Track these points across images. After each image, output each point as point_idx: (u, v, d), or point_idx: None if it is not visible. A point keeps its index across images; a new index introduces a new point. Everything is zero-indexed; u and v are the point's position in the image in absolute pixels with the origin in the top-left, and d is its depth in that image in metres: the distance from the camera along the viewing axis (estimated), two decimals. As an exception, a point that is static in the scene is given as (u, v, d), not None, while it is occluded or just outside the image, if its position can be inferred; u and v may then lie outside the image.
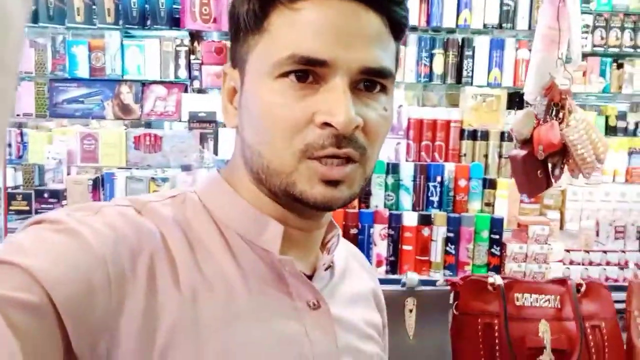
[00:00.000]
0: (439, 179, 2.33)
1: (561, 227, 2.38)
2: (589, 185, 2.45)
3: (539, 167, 1.24)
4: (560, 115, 1.24)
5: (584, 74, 2.56)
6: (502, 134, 2.46)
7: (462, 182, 2.35)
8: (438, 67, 2.48)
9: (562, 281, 1.03)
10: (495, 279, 0.99)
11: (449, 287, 0.99)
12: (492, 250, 2.28)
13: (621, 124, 2.66)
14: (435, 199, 2.34)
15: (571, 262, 2.20)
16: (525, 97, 1.35)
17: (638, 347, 0.99)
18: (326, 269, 0.59)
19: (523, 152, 1.26)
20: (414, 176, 2.33)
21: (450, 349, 0.97)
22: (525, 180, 1.28)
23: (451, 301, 1.01)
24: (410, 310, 0.96)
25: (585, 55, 2.61)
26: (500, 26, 2.50)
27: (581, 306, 0.99)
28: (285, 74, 0.50)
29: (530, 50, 2.55)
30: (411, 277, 0.97)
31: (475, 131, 2.46)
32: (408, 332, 0.96)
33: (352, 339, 0.58)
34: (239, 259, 0.53)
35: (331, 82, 0.50)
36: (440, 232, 2.31)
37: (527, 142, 1.27)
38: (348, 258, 0.66)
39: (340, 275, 0.62)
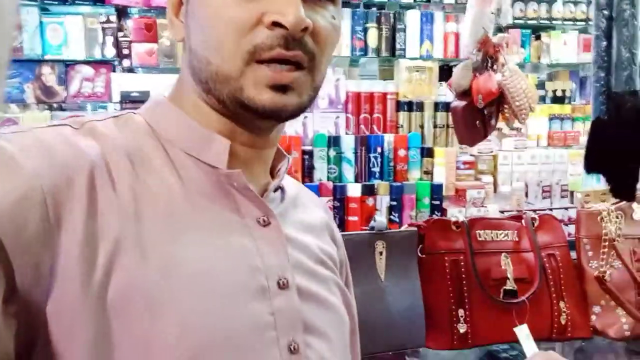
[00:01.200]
0: (379, 149, 2.38)
1: (495, 190, 2.51)
2: (517, 149, 2.60)
3: (478, 117, 1.31)
4: (495, 67, 1.31)
5: (507, 45, 2.70)
6: (436, 104, 2.55)
7: (402, 152, 2.41)
8: (372, 41, 2.52)
9: (517, 217, 1.09)
10: (459, 217, 1.02)
11: (417, 229, 1.01)
12: (434, 215, 2.37)
13: (541, 93, 2.83)
14: (376, 169, 2.39)
15: (506, 222, 2.32)
16: (463, 50, 1.41)
17: (587, 271, 1.07)
18: (275, 191, 0.59)
19: (463, 103, 1.31)
20: (355, 148, 2.36)
21: (420, 288, 1.00)
22: (465, 131, 1.34)
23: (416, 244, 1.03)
24: (381, 253, 0.98)
25: (506, 28, 2.75)
26: (428, 0, 2.58)
27: (537, 237, 1.04)
28: None
29: (457, 23, 2.67)
30: (380, 220, 0.99)
31: (410, 103, 2.53)
32: (380, 275, 0.97)
33: (303, 258, 0.57)
34: (184, 176, 0.51)
35: None
36: (384, 201, 2.37)
37: (465, 94, 1.33)
38: (300, 192, 0.65)
39: (291, 202, 0.61)
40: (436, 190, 2.38)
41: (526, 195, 2.51)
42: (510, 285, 1.00)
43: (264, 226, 0.53)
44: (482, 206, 2.38)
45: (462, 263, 1.00)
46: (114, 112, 0.56)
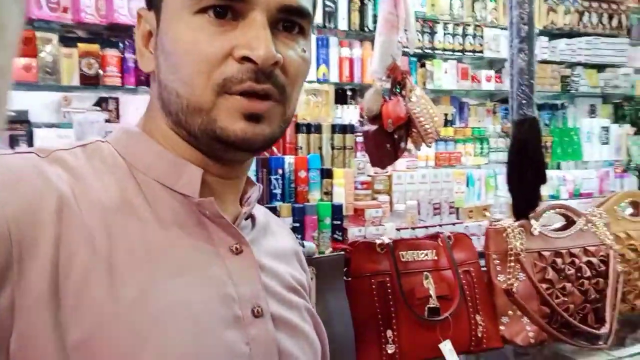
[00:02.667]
0: (280, 171, 2.38)
1: (391, 209, 2.61)
2: (409, 169, 2.74)
3: (388, 141, 1.36)
4: (403, 92, 1.37)
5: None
6: (333, 126, 2.61)
7: (302, 174, 2.43)
8: (270, 63, 2.53)
9: (434, 236, 1.14)
10: (384, 239, 1.04)
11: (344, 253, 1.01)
12: (335, 235, 2.40)
13: (427, 116, 3.03)
14: (278, 191, 2.38)
15: (402, 239, 2.43)
16: (372, 76, 1.46)
17: (496, 285, 1.15)
18: (246, 219, 0.59)
19: (374, 127, 1.36)
20: (257, 170, 2.33)
21: (349, 312, 1.00)
22: (377, 154, 1.38)
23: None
24: (311, 279, 0.96)
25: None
26: (324, 26, 2.66)
27: (454, 255, 1.10)
28: (203, 10, 0.49)
29: (351, 49, 2.77)
30: (309, 245, 0.97)
31: (309, 125, 2.57)
32: (311, 300, 0.96)
33: (276, 286, 0.57)
34: (155, 206, 0.51)
35: (250, 17, 0.49)
36: (286, 223, 2.36)
37: (376, 118, 1.38)
38: (270, 219, 0.65)
39: (262, 230, 0.61)
40: (337, 211, 2.43)
41: (418, 212, 2.66)
42: (433, 303, 1.04)
43: (237, 254, 0.53)
44: (380, 225, 2.47)
45: (389, 284, 1.02)
46: (80, 141, 0.54)
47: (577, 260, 1.18)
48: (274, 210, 2.38)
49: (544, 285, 1.13)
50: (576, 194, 3.31)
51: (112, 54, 2.32)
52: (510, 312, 1.14)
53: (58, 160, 0.48)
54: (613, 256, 1.23)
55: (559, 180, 3.22)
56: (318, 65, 2.63)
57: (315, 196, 2.46)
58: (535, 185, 1.09)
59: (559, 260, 1.16)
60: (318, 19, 2.62)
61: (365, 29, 2.75)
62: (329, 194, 2.50)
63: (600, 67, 3.68)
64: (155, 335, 0.45)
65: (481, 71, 3.22)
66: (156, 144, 0.53)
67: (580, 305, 1.16)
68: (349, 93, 2.83)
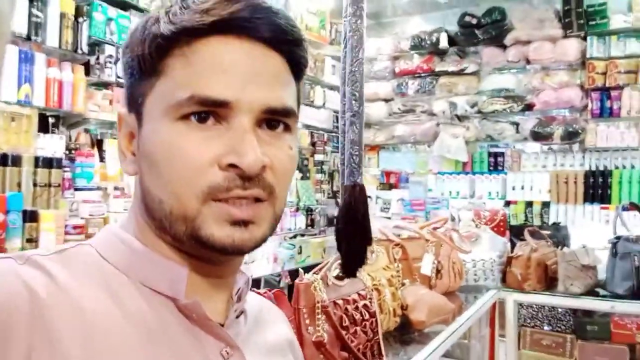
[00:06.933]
0: (-34, 214, 1.83)
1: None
2: (126, 211, 2.51)
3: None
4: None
5: (111, 102, 2.61)
6: (37, 158, 2.17)
7: (-1, 217, 1.92)
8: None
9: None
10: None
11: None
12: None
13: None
14: (-38, 240, 1.81)
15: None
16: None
17: (305, 337, 1.18)
18: (237, 317, 0.57)
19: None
20: None
21: None
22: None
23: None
24: None
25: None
26: (29, 38, 2.22)
27: (277, 314, 1.09)
28: (185, 116, 0.48)
29: (60, 70, 2.39)
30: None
31: (5, 155, 2.07)
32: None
33: None
34: (138, 312, 0.49)
35: (234, 122, 0.48)
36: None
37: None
38: (262, 308, 0.64)
39: (253, 324, 0.60)
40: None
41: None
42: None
43: (227, 359, 0.52)
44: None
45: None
46: (60, 245, 0.52)
47: (358, 305, 1.34)
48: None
49: (343, 332, 1.24)
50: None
51: None
52: (316, 363, 1.20)
53: (36, 265, 0.46)
54: (375, 297, 1.44)
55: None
56: (20, 84, 2.17)
57: (15, 244, 1.99)
58: (363, 244, 1.20)
59: (349, 307, 1.29)
60: (22, 29, 2.18)
61: (79, 50, 2.42)
62: (33, 241, 2.06)
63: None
64: None
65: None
66: (141, 245, 0.51)
67: (364, 345, 1.32)
68: (51, 120, 2.42)
